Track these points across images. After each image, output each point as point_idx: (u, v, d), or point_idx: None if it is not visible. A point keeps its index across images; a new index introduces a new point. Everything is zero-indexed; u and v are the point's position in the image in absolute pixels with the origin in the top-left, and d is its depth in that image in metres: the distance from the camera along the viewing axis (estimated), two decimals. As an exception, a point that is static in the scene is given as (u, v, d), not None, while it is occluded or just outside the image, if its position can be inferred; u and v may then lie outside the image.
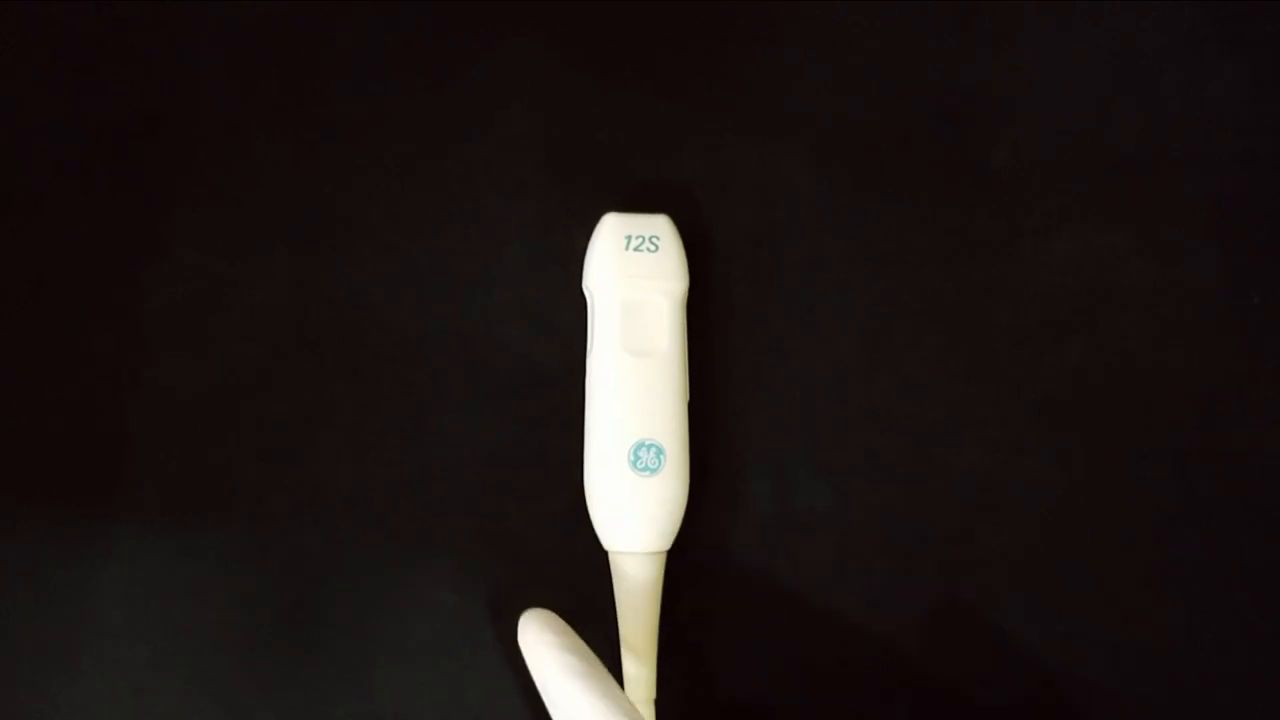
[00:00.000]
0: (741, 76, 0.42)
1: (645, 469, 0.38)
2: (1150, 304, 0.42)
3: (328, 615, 0.40)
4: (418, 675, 0.39)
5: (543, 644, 0.35)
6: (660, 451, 0.38)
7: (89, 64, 0.42)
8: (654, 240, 0.39)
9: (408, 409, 0.41)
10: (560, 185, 0.42)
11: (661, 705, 0.38)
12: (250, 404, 0.40)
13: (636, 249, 0.39)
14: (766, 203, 0.42)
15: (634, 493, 0.38)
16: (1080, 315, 0.42)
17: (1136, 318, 0.42)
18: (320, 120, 0.42)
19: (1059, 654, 0.40)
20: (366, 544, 0.40)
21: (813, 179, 0.42)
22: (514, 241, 0.41)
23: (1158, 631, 0.40)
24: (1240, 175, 0.42)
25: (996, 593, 0.40)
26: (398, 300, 0.41)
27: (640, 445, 0.38)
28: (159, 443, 0.40)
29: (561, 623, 0.36)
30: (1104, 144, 0.42)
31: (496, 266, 0.41)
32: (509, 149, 0.42)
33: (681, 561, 0.39)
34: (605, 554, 0.39)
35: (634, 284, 0.39)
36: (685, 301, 0.40)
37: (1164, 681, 0.40)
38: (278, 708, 0.39)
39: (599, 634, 0.38)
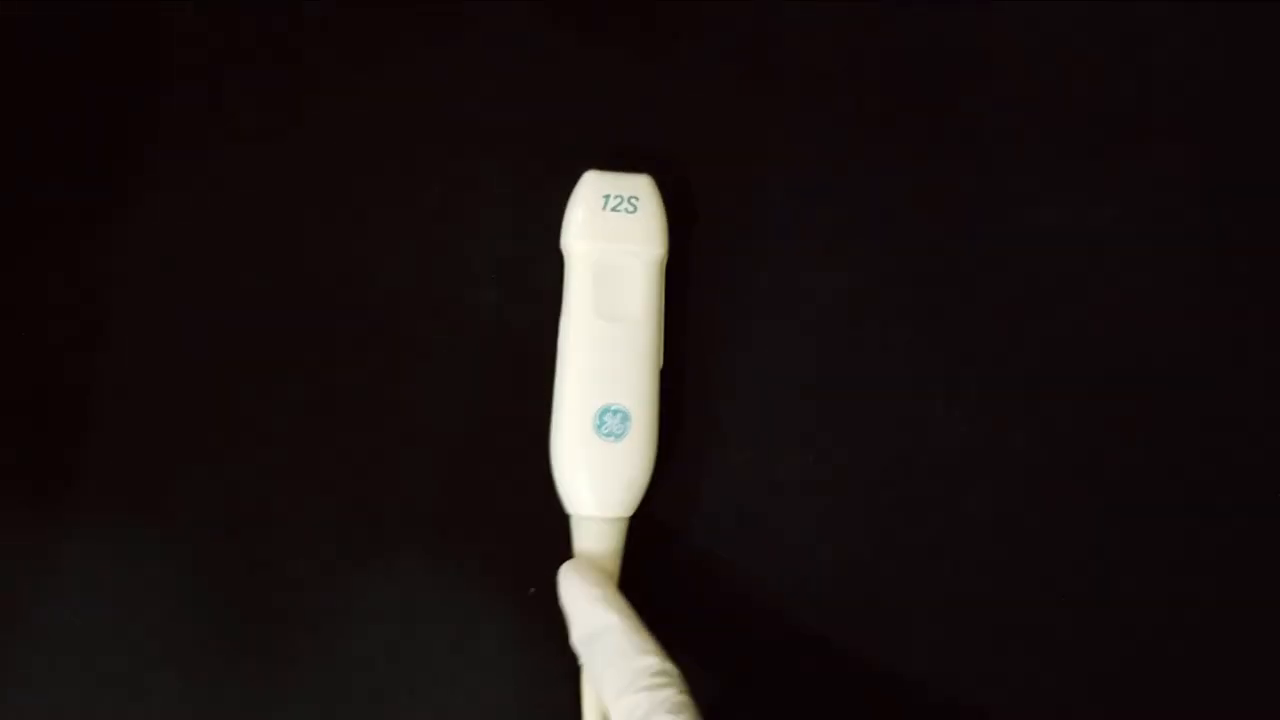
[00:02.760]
0: (727, 39, 0.42)
1: (610, 434, 0.37)
2: (1137, 275, 0.41)
3: (293, 579, 0.39)
4: (383, 638, 0.39)
5: (591, 599, 0.35)
6: (626, 417, 0.37)
7: (46, 25, 0.41)
8: (633, 201, 0.38)
9: (376, 369, 0.40)
10: (540, 144, 0.41)
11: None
12: (218, 365, 0.40)
13: (614, 209, 0.38)
14: (749, 168, 0.41)
15: (598, 457, 0.37)
16: (1066, 285, 0.41)
17: (1123, 289, 0.41)
18: (295, 81, 0.41)
19: (1037, 627, 0.39)
20: (331, 505, 0.39)
21: (796, 145, 0.41)
22: (492, 201, 0.41)
23: (1139, 604, 0.39)
24: (1230, 147, 0.41)
25: (974, 563, 0.39)
26: (370, 260, 0.40)
27: (605, 410, 0.37)
28: (123, 413, 0.40)
29: (603, 574, 0.37)
30: (1094, 114, 0.41)
31: (473, 226, 0.41)
32: (488, 106, 0.41)
33: (645, 528, 0.39)
34: (567, 517, 0.38)
35: (609, 245, 0.38)
36: (663, 266, 0.39)
37: (1142, 653, 0.39)
38: (241, 675, 0.39)
39: (557, 598, 0.38)
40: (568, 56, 0.42)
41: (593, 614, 0.35)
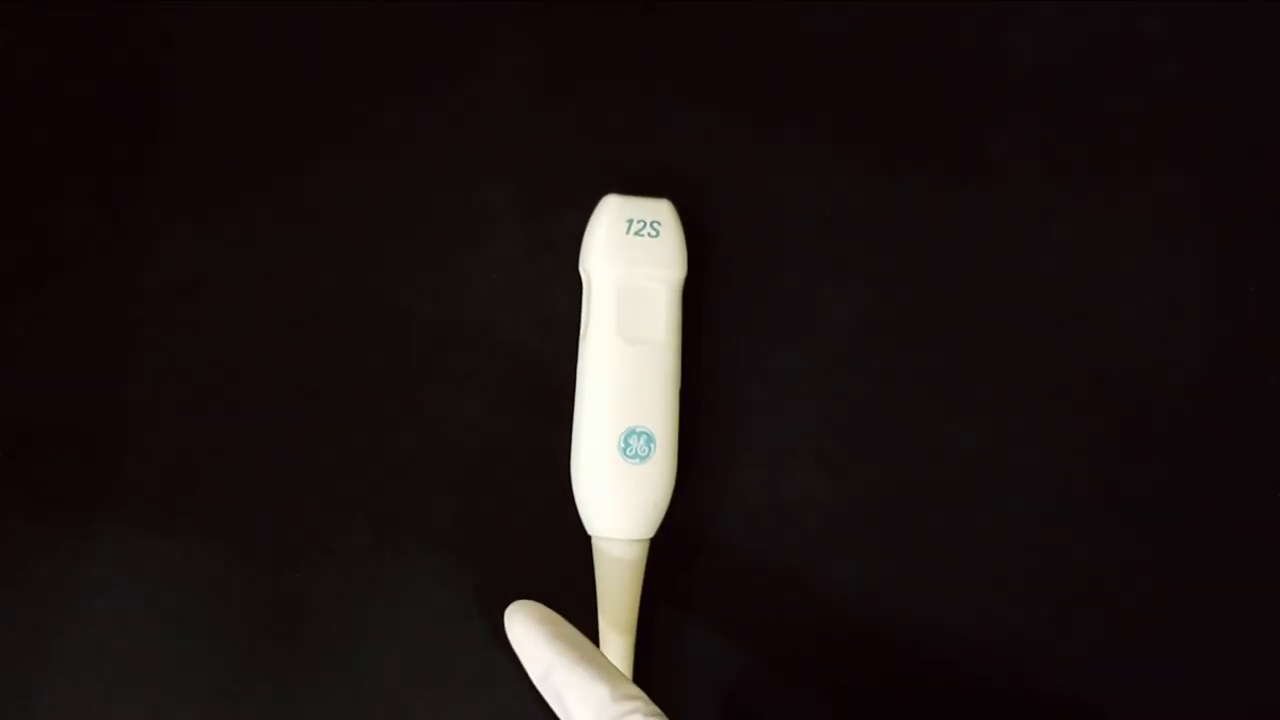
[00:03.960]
0: (743, 63, 0.42)
1: (635, 456, 0.38)
2: (1147, 292, 0.42)
3: (313, 600, 0.39)
4: (403, 660, 0.39)
5: (533, 637, 0.35)
6: (651, 439, 0.38)
7: (75, 47, 0.40)
8: (655, 225, 0.39)
9: (396, 390, 0.40)
10: (555, 167, 0.41)
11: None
12: (239, 388, 0.39)
13: (637, 234, 0.38)
14: (764, 190, 0.41)
15: (622, 479, 0.38)
16: (1077, 303, 0.41)
17: (1133, 305, 0.42)
18: (312, 103, 0.41)
19: (1051, 641, 0.40)
20: (351, 527, 0.39)
21: (811, 167, 0.41)
22: (508, 223, 0.41)
23: (1149, 619, 0.41)
24: (1238, 163, 0.42)
25: (989, 581, 0.41)
26: (388, 281, 0.40)
27: (631, 433, 0.38)
28: (145, 430, 0.39)
29: (549, 611, 0.36)
30: (1103, 132, 0.42)
31: (490, 248, 0.40)
32: (504, 128, 0.41)
33: (664, 549, 0.39)
34: (588, 539, 0.39)
35: (633, 270, 0.38)
36: (682, 289, 0.39)
37: (1155, 670, 0.41)
38: (263, 696, 0.39)
39: (579, 620, 0.38)
40: (573, 75, 0.41)
41: (540, 652, 0.35)
